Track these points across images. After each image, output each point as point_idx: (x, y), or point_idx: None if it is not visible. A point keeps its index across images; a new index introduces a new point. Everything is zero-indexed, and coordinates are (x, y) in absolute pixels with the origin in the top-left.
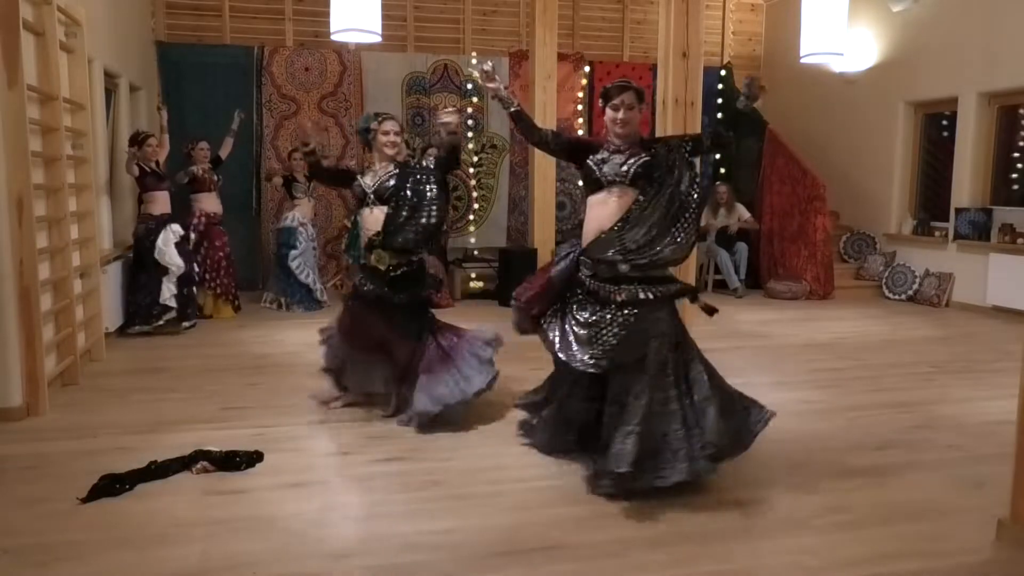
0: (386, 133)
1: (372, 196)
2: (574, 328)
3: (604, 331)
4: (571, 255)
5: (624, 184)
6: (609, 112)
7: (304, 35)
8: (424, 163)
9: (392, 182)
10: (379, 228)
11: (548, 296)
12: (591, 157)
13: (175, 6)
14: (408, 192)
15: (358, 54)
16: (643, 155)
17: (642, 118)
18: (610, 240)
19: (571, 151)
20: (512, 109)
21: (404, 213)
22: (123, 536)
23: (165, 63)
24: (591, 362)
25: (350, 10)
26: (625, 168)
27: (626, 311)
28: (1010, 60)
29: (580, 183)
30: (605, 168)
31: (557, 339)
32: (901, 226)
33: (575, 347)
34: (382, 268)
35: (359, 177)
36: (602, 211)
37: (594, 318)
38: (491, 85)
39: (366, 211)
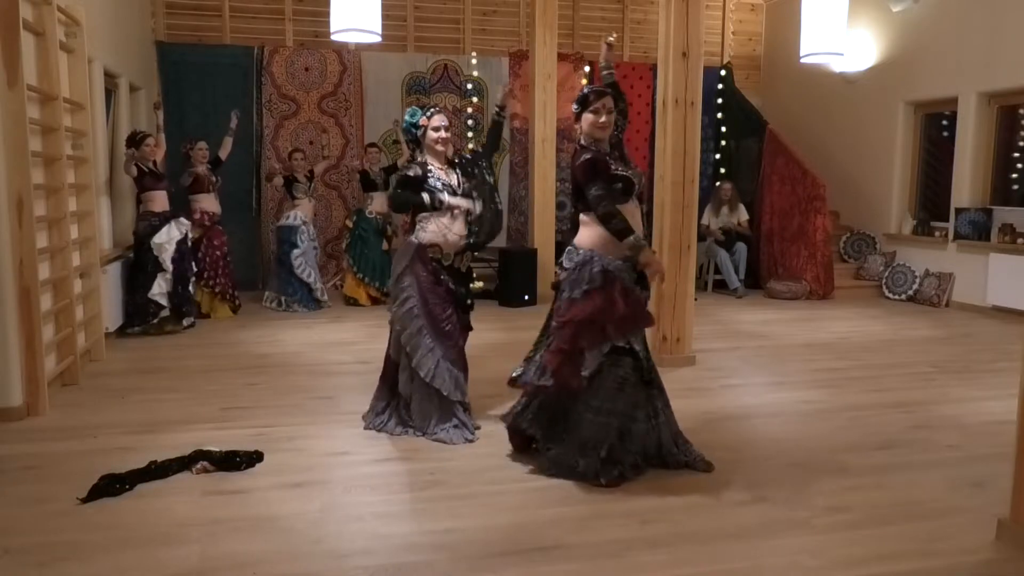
0: (436, 130)
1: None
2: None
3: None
4: (615, 265)
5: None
6: (590, 117)
7: (304, 35)
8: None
9: (465, 184)
10: (466, 232)
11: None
12: (615, 168)
13: (175, 6)
14: (475, 191)
15: (358, 54)
16: (637, 167)
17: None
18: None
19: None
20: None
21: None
22: (123, 536)
23: (165, 63)
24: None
25: (350, 10)
26: (641, 181)
27: None
28: (1010, 60)
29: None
30: (634, 179)
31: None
32: (901, 226)
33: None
34: (463, 271)
35: (430, 183)
36: (634, 221)
37: None
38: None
39: (449, 218)
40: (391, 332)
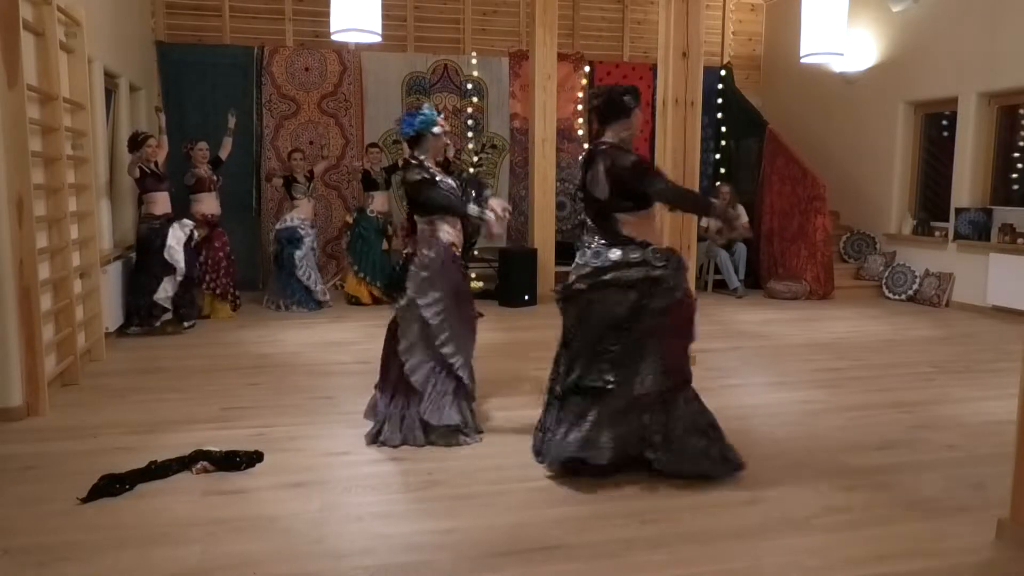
0: (446, 132)
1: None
2: None
3: None
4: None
5: None
6: (640, 115)
7: (304, 35)
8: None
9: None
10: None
11: None
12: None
13: (175, 6)
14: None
15: (358, 54)
16: None
17: None
18: None
19: None
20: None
21: None
22: (123, 536)
23: (165, 63)
24: None
25: (350, 10)
26: None
27: None
28: (1010, 60)
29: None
30: None
31: None
32: (901, 226)
33: None
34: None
35: (441, 185)
36: (653, 228)
37: None
38: None
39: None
40: (395, 333)
